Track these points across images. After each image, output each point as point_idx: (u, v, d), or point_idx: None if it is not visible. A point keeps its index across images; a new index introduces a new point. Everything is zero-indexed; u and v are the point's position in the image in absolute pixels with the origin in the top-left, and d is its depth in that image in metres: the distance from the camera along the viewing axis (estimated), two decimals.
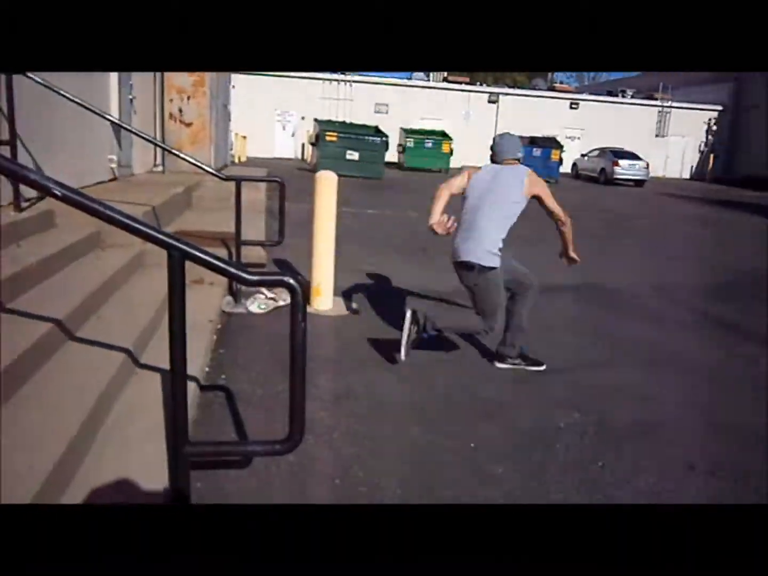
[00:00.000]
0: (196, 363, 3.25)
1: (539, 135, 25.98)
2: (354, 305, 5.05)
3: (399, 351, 3.66)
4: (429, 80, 31.56)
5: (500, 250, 3.68)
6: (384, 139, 19.86)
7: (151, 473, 2.21)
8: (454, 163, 25.27)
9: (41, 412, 2.29)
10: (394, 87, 29.45)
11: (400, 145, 24.30)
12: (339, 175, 5.06)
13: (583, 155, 27.91)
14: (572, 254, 3.98)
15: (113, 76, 7.04)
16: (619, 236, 10.59)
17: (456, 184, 3.90)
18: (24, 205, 4.12)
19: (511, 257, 3.83)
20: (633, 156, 25.43)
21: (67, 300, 3.13)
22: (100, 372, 2.70)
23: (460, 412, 3.34)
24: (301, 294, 1.66)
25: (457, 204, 3.91)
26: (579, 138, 31.26)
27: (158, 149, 8.84)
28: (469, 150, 29.14)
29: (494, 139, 3.97)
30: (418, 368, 3.87)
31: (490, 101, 31.01)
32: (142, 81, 8.24)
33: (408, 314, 3.66)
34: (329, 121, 21.91)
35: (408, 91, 29.73)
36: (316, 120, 21.42)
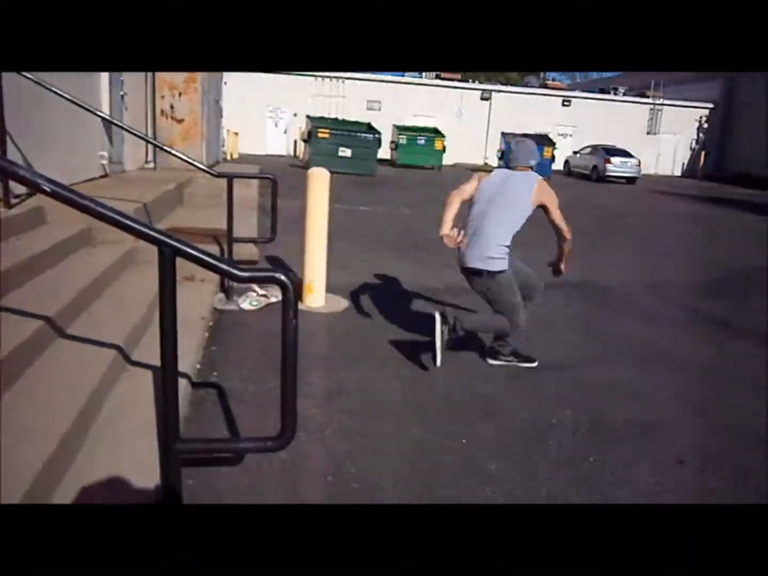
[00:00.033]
0: (188, 360, 3.24)
1: (531, 132, 26.03)
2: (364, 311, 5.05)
3: (433, 357, 3.58)
4: (421, 77, 31.52)
5: (507, 253, 3.66)
6: (376, 136, 19.82)
7: (143, 470, 2.21)
8: (447, 160, 25.31)
9: (32, 409, 2.28)
10: (386, 84, 29.40)
11: (392, 142, 24.28)
12: (331, 172, 5.05)
13: (575, 152, 27.96)
14: (562, 267, 3.99)
15: (104, 73, 7.00)
16: (611, 233, 10.62)
17: (467, 190, 3.85)
18: (13, 201, 4.10)
19: (516, 258, 3.83)
20: (625, 153, 25.50)
21: (57, 297, 3.12)
22: (91, 369, 2.69)
23: (453, 408, 3.34)
24: (293, 290, 1.66)
25: (464, 209, 3.88)
26: (571, 135, 31.32)
27: (149, 146, 8.81)
28: (462, 147, 29.26)
29: (509, 144, 3.96)
30: (411, 365, 3.87)
31: (482, 98, 31.02)
32: (134, 77, 8.20)
33: (437, 317, 3.60)
34: (322, 118, 21.86)
35: (400, 88, 29.69)
36: (308, 117, 21.37)
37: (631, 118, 31.94)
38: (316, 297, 4.88)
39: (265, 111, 28.60)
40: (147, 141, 7.56)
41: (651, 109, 32.45)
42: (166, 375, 1.77)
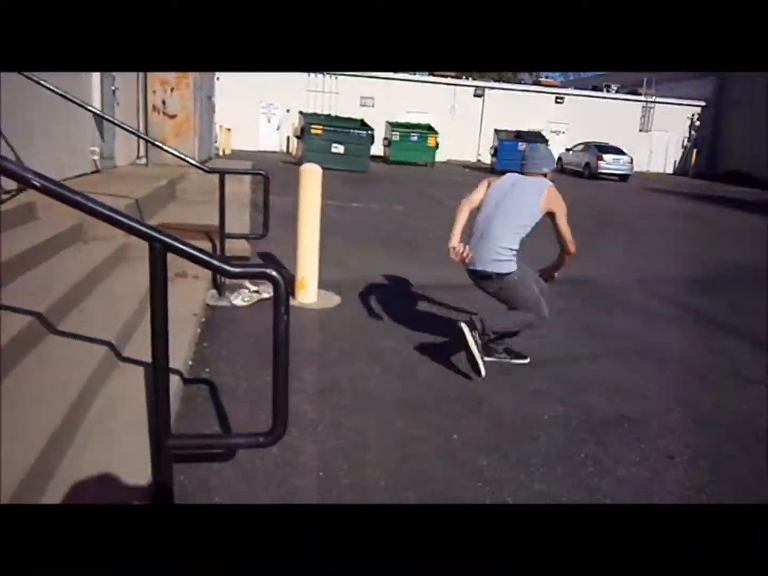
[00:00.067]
0: (180, 356, 3.24)
1: (524, 129, 26.07)
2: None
3: (475, 368, 3.53)
4: (414, 74, 31.50)
5: (515, 255, 3.61)
6: (369, 132, 19.81)
7: (134, 466, 2.21)
8: (440, 156, 25.31)
9: (23, 406, 2.28)
10: (379, 80, 29.35)
11: (385, 138, 24.26)
12: (324, 169, 5.05)
13: (567, 150, 28.01)
14: (554, 275, 4.00)
15: None
16: (603, 230, 10.66)
17: (475, 197, 3.79)
18: (4, 197, 4.08)
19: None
20: (617, 151, 25.58)
21: (49, 293, 3.11)
22: (82, 365, 2.68)
23: (444, 404, 3.36)
24: (284, 286, 1.66)
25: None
26: (564, 132, 31.38)
27: (141, 141, 8.77)
28: (455, 144, 29.28)
29: (525, 149, 3.92)
30: (404, 361, 3.88)
31: (475, 95, 31.04)
32: (125, 72, 8.16)
33: (464, 328, 3.52)
34: (315, 114, 21.83)
35: (393, 84, 29.65)
36: (301, 113, 21.32)
37: (624, 115, 32.04)
38: (308, 293, 4.88)
39: (257, 107, 28.52)
40: (139, 136, 7.55)
41: (643, 107, 32.56)
42: (157, 371, 1.77)
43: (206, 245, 5.06)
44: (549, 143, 24.55)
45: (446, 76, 30.74)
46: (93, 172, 6.82)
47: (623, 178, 24.87)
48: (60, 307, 3.10)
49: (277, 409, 1.77)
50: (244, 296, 4.70)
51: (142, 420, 2.51)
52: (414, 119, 26.90)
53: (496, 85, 32.06)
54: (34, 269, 3.45)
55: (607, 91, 33.37)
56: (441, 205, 12.16)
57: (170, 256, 1.71)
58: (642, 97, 32.53)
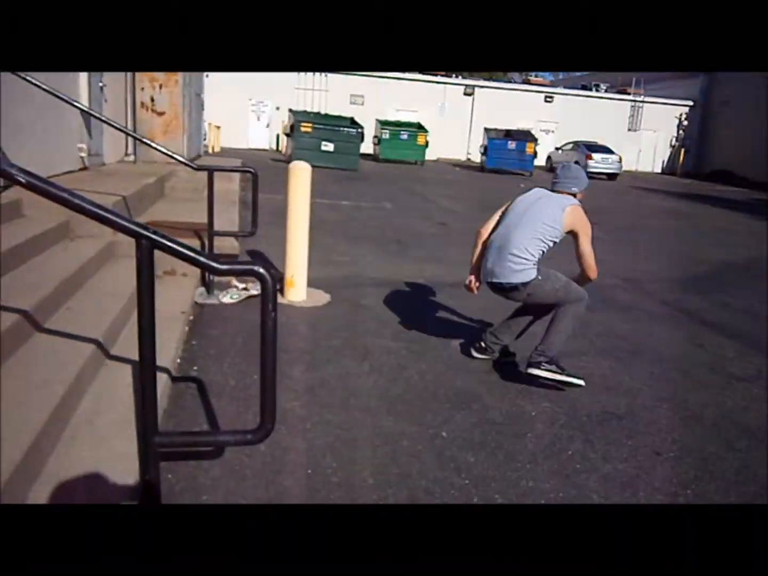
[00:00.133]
0: (168, 354, 3.23)
1: (514, 128, 26.15)
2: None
3: (574, 384, 3.52)
4: (402, 72, 31.51)
5: (534, 264, 3.53)
6: (359, 130, 19.79)
7: (121, 464, 2.20)
8: (430, 155, 25.34)
9: (9, 404, 2.26)
10: (369, 78, 29.33)
11: (375, 136, 24.26)
12: (314, 167, 5.04)
13: (557, 148, 28.15)
14: None
15: None
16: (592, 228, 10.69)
17: (491, 224, 3.77)
18: None
19: None
20: (606, 150, 25.73)
21: (35, 291, 3.09)
22: (69, 363, 2.67)
23: (433, 401, 3.36)
24: (271, 283, 1.66)
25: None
26: (553, 131, 31.52)
27: (129, 139, 8.71)
28: (445, 142, 29.32)
29: (557, 167, 3.85)
30: (393, 359, 3.89)
31: (465, 94, 31.11)
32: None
33: (537, 372, 3.51)
34: (304, 112, 21.77)
35: (383, 82, 29.65)
36: (291, 110, 21.27)
37: (613, 114, 32.23)
38: (297, 291, 4.87)
39: (247, 104, 28.44)
40: (127, 134, 7.50)
41: (632, 106, 32.76)
42: (144, 368, 1.76)
43: (195, 243, 5.04)
44: (539, 142, 24.70)
45: (436, 75, 30.78)
46: (81, 170, 6.77)
47: (612, 177, 25.03)
48: (47, 304, 3.08)
49: (264, 406, 1.77)
50: (232, 294, 4.69)
51: (129, 418, 2.50)
52: (404, 117, 26.92)
53: (486, 83, 32.14)
54: (21, 267, 3.42)
55: (597, 90, 33.56)
56: (431, 203, 12.17)
57: (159, 254, 1.70)
58: (631, 97, 32.73)
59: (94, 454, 2.26)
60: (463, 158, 30.98)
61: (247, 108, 28.45)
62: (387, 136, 23.75)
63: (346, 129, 19.71)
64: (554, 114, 31.72)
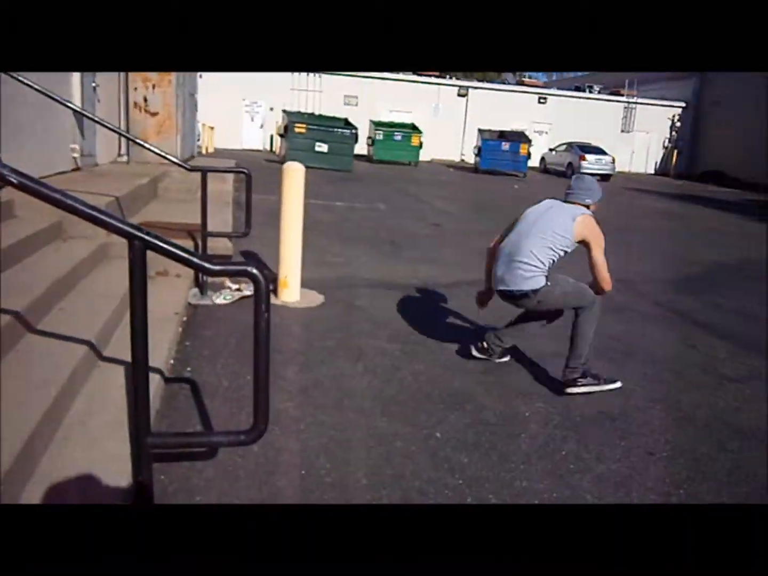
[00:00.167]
0: (161, 355, 3.22)
1: (508, 129, 26.20)
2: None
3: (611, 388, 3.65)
4: (399, 73, 31.53)
5: (543, 272, 3.51)
6: (353, 131, 19.80)
7: (114, 466, 2.19)
8: (424, 156, 25.35)
9: (2, 405, 2.25)
10: (363, 79, 29.32)
11: (369, 137, 24.25)
12: (308, 167, 5.04)
13: (550, 150, 28.21)
14: None
15: None
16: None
17: (503, 232, 3.79)
18: None
19: None
20: (599, 151, 25.80)
21: (28, 291, 3.07)
22: (62, 364, 2.65)
23: (426, 402, 3.37)
24: (264, 284, 1.66)
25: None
26: (547, 132, 31.58)
27: (123, 139, 8.68)
28: (439, 143, 29.33)
29: (571, 178, 3.84)
30: (387, 360, 3.89)
31: (459, 95, 31.13)
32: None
33: (575, 390, 3.56)
34: (298, 113, 21.76)
35: (377, 83, 29.64)
36: (284, 111, 21.25)
37: (606, 116, 32.32)
38: (291, 292, 4.87)
39: (241, 105, 28.38)
40: (120, 134, 7.48)
41: (625, 108, 32.87)
42: (136, 369, 1.75)
43: (188, 244, 5.02)
44: (532, 143, 24.75)
45: (430, 76, 30.81)
46: (73, 170, 6.74)
47: (605, 177, 25.07)
48: (39, 305, 3.06)
49: (257, 407, 1.77)
50: (225, 295, 4.68)
51: (122, 419, 2.49)
52: (398, 118, 26.93)
53: (480, 84, 32.19)
54: (13, 267, 3.41)
55: (590, 91, 33.65)
56: (424, 204, 12.18)
57: (152, 255, 1.70)
58: (624, 98, 32.84)
59: (86, 455, 2.25)
60: (457, 159, 31.02)
61: (240, 108, 28.39)
62: (381, 137, 23.75)
63: (340, 130, 19.70)
64: (548, 115, 31.79)
